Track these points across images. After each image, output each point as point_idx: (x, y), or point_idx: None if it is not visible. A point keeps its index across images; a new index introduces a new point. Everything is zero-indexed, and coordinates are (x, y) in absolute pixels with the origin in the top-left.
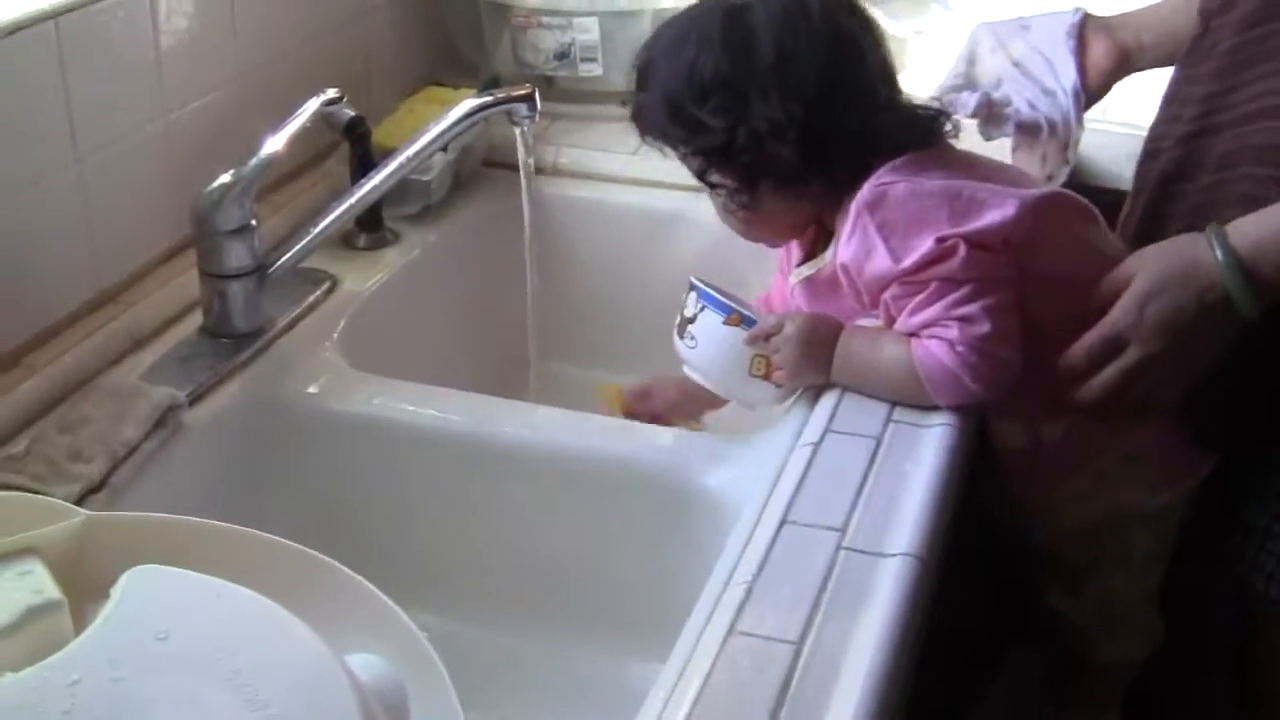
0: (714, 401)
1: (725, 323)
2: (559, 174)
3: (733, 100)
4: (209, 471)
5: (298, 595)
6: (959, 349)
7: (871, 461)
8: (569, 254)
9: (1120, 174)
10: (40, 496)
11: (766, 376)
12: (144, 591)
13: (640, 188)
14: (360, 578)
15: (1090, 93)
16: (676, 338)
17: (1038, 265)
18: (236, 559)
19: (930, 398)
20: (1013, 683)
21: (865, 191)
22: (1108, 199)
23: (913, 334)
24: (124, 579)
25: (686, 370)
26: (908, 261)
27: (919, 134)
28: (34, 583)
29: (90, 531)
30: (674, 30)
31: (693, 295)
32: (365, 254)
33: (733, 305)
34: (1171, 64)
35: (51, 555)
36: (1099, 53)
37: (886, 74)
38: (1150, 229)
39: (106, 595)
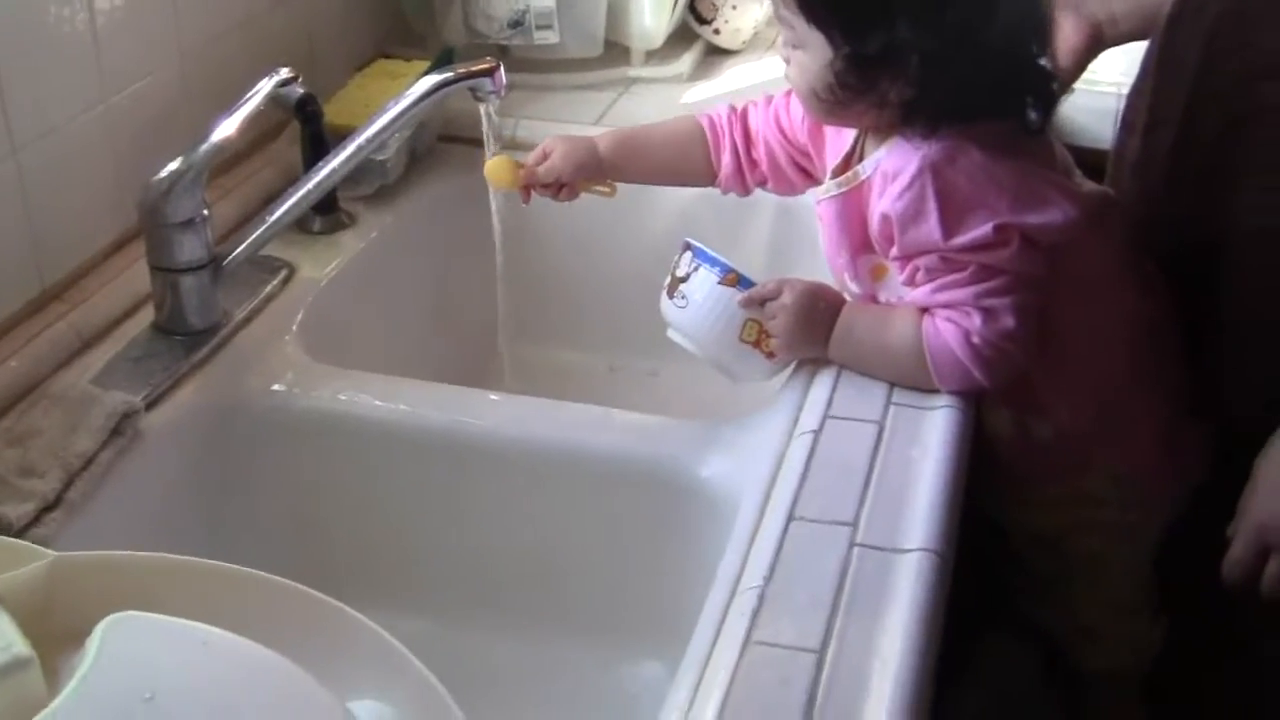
0: None
1: (721, 282)
2: (518, 147)
3: None
4: (171, 480)
5: (296, 639)
6: (974, 340)
7: (876, 449)
8: (532, 233)
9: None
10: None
11: (757, 345)
12: (123, 643)
13: None
14: (364, 618)
15: (1062, 74)
16: (665, 298)
17: (1068, 267)
18: (224, 600)
19: (932, 382)
20: (991, 669)
21: (935, 150)
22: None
23: (925, 309)
24: (100, 629)
25: (671, 334)
26: (958, 240)
27: (1036, 107)
28: None
29: (59, 573)
30: None
31: (687, 255)
32: (321, 238)
33: (730, 265)
34: (1145, 36)
35: (16, 603)
36: (1068, 30)
37: (1044, 24)
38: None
39: (79, 644)
